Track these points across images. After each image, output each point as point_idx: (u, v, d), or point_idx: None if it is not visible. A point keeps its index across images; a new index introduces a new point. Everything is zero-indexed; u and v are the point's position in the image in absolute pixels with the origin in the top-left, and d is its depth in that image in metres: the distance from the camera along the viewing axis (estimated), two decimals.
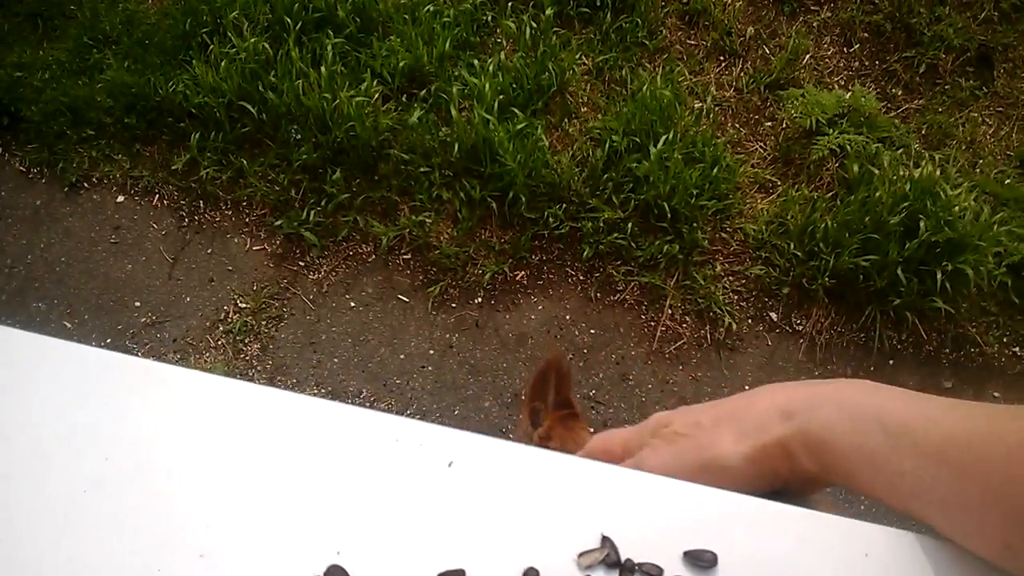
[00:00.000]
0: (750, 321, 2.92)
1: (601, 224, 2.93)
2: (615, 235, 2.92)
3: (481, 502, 0.53)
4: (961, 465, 0.50)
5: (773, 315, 2.93)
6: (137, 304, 2.95)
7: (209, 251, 3.05)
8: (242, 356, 2.84)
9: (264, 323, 2.90)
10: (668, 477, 0.57)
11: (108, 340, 2.88)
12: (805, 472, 0.58)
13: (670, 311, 2.90)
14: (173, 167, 3.13)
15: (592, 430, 1.18)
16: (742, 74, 3.28)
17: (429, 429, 0.55)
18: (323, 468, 0.53)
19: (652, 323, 2.90)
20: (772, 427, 0.59)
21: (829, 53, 3.35)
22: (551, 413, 1.12)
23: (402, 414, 2.73)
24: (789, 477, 0.60)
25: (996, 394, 2.88)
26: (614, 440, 0.73)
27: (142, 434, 0.53)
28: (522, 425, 1.18)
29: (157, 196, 3.14)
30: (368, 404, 2.75)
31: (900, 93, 3.29)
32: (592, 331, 2.88)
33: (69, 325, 2.91)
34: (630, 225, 2.91)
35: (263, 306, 2.92)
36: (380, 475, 0.53)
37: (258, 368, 2.82)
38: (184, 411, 0.54)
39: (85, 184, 3.18)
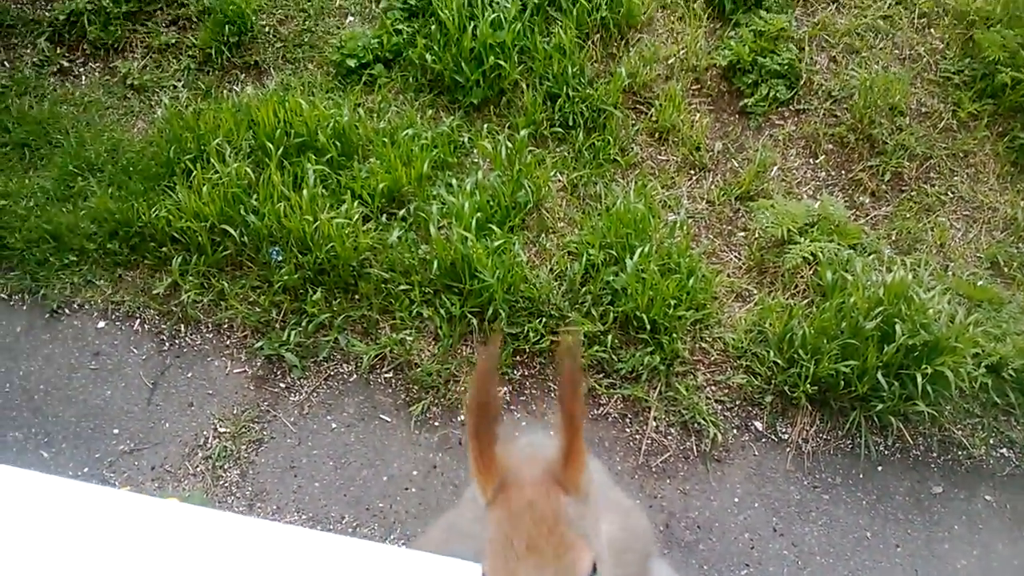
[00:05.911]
0: (735, 431, 2.90)
1: (581, 337, 2.94)
2: (596, 348, 2.93)
3: None
4: None
5: (758, 424, 2.91)
6: (115, 431, 2.91)
7: (189, 375, 3.02)
8: (221, 483, 2.78)
9: (244, 447, 2.85)
10: None
11: (85, 469, 2.82)
12: None
13: (654, 423, 2.88)
14: (155, 291, 3.15)
15: None
16: (713, 187, 3.37)
17: None
18: None
19: (637, 436, 2.88)
20: None
21: (796, 164, 3.46)
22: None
23: (385, 539, 2.66)
24: None
25: (988, 498, 2.85)
26: None
27: None
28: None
29: (138, 320, 3.14)
30: (351, 530, 2.68)
31: (867, 201, 3.38)
32: None
33: (46, 455, 2.86)
34: (610, 338, 2.92)
35: (243, 430, 2.88)
36: None
37: (237, 495, 2.75)
38: None
39: (66, 310, 3.18)
